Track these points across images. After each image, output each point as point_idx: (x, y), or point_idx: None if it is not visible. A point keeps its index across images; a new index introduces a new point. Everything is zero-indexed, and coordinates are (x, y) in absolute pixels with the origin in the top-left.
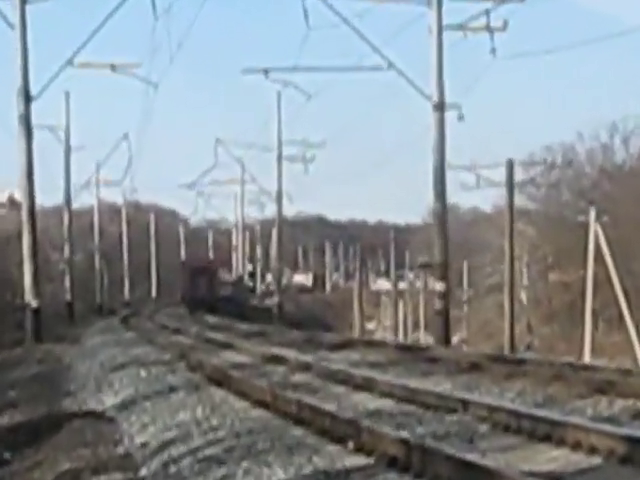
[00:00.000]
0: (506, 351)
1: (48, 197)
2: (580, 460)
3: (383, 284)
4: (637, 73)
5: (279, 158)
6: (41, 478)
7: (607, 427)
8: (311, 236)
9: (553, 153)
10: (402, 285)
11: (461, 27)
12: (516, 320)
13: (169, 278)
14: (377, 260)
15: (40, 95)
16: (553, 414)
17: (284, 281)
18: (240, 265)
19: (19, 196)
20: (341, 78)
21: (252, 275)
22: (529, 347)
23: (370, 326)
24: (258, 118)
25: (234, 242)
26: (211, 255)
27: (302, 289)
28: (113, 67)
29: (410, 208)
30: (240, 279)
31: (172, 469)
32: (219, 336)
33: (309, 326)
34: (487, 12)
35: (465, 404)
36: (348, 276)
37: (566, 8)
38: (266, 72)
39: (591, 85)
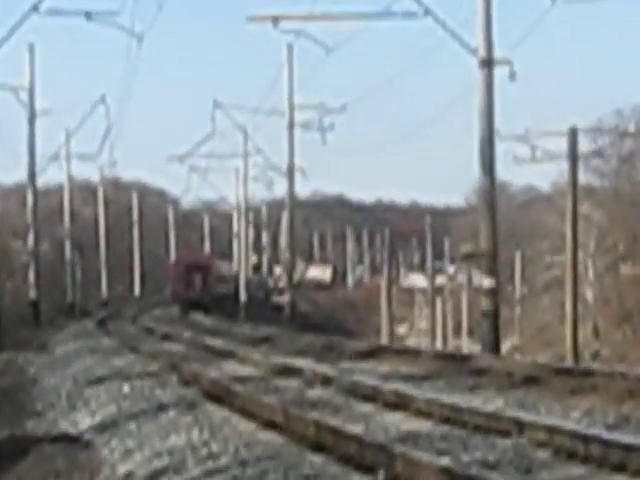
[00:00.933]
0: (569, 361)
1: (8, 173)
2: None
3: (417, 279)
4: None
5: (290, 126)
6: None
7: None
8: (329, 221)
9: (625, 119)
10: (440, 280)
11: None
12: (580, 323)
13: (156, 272)
14: (410, 250)
15: None
16: (628, 438)
17: (297, 275)
18: (242, 256)
19: None
20: (366, 27)
21: (257, 268)
22: (596, 356)
23: (401, 330)
24: (265, 77)
25: (235, 228)
26: (207, 244)
27: (319, 285)
28: (88, 15)
29: (450, 187)
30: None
31: None
32: (218, 342)
33: (328, 330)
34: None
35: (520, 426)
36: (374, 270)
37: None
38: (275, 20)
39: None
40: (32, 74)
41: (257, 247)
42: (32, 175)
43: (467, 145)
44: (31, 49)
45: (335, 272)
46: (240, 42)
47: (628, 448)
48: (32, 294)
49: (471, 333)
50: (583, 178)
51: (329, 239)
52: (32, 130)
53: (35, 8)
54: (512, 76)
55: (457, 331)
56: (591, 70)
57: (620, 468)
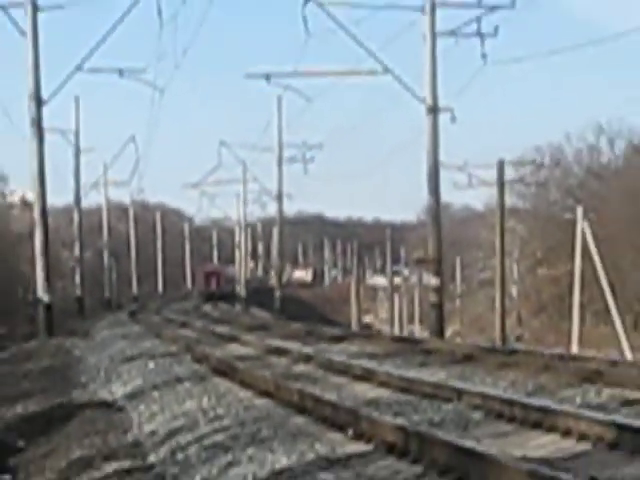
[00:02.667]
0: (498, 343)
1: (59, 197)
2: (570, 446)
3: (379, 280)
4: (621, 77)
5: (280, 159)
6: (54, 466)
7: (596, 414)
8: (310, 234)
9: (542, 153)
10: (397, 280)
11: (453, 33)
12: (507, 313)
13: (175, 274)
14: (373, 257)
15: (51, 99)
16: (544, 402)
17: (285, 277)
18: (243, 262)
19: (31, 197)
20: (339, 82)
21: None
22: (519, 339)
23: (367, 319)
24: (260, 121)
25: (237, 240)
26: (215, 253)
27: (302, 284)
28: (121, 72)
29: (405, 207)
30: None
31: (179, 456)
32: (223, 329)
33: (309, 319)
34: (478, 19)
35: (459, 393)
36: (346, 272)
37: (554, 14)
38: (267, 77)
39: (578, 88)
40: (77, 120)
41: (254, 255)
42: (77, 199)
43: (418, 174)
44: (76, 100)
45: (315, 274)
46: (240, 94)
47: (543, 410)
48: (77, 292)
49: (421, 321)
50: (509, 200)
51: (310, 248)
52: (77, 163)
53: (79, 67)
54: (453, 120)
55: (411, 320)
56: (516, 114)
57: (537, 426)
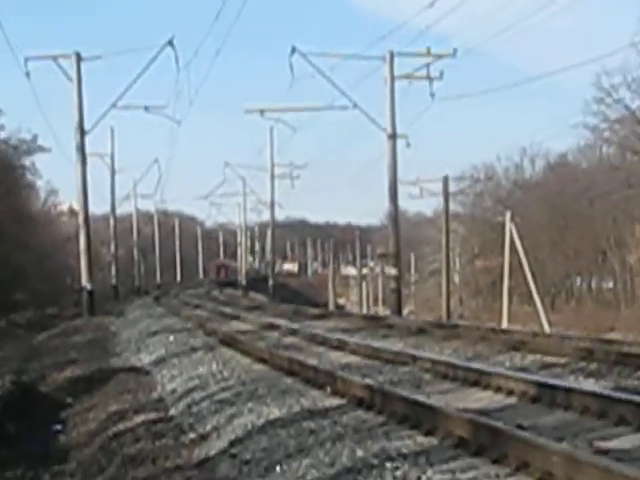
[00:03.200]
0: (443, 319)
1: (98, 207)
2: (501, 400)
3: (351, 270)
4: (539, 109)
5: (272, 176)
6: (95, 417)
7: (521, 375)
8: (296, 235)
9: (478, 170)
10: (365, 271)
11: (408, 77)
12: (451, 296)
13: (189, 267)
14: (346, 252)
15: (92, 130)
16: (480, 366)
17: (277, 268)
18: (243, 257)
19: (76, 206)
20: (318, 115)
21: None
22: (461, 316)
23: (341, 302)
24: (256, 146)
25: (238, 240)
26: (221, 250)
27: (290, 274)
28: (146, 108)
29: (371, 213)
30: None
31: (194, 409)
32: (228, 310)
33: (296, 302)
34: (427, 65)
35: (414, 359)
36: (324, 264)
37: (486, 61)
38: (262, 112)
39: (506, 119)
40: (112, 146)
41: (252, 252)
42: (113, 208)
43: (381, 187)
44: (112, 130)
45: (300, 266)
46: (241, 124)
47: (479, 372)
48: (113, 281)
49: (384, 303)
50: (452, 207)
51: (296, 246)
52: (112, 180)
53: (114, 105)
54: (408, 144)
55: (375, 302)
56: (458, 139)
57: (475, 384)
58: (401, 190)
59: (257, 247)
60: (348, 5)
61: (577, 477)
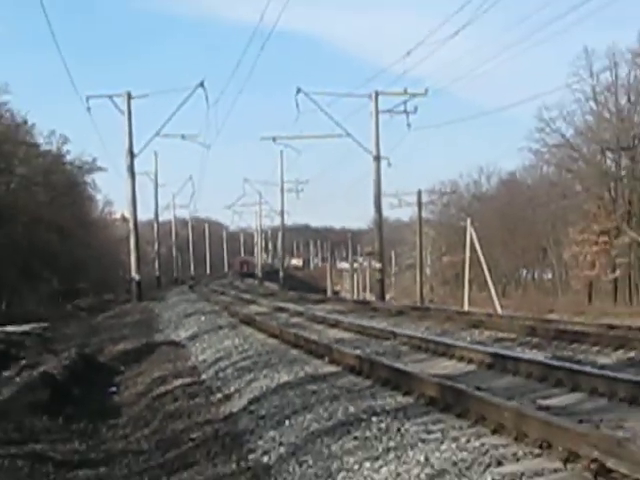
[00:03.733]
0: (418, 303)
1: (145, 214)
2: (463, 367)
3: (344, 265)
4: (492, 137)
5: (282, 190)
6: (142, 381)
7: (479, 347)
8: (301, 237)
9: (445, 185)
10: (355, 265)
11: (389, 111)
12: (423, 285)
13: (216, 262)
14: (340, 250)
15: (139, 153)
16: (447, 340)
17: (285, 263)
18: (259, 254)
19: (127, 214)
20: (318, 141)
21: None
22: (431, 301)
23: (337, 289)
24: (270, 165)
25: (255, 240)
26: (242, 250)
27: (296, 268)
28: (183, 136)
29: (360, 219)
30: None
31: (220, 375)
32: (247, 296)
33: (301, 289)
34: (405, 102)
35: (394, 334)
36: (323, 260)
37: (450, 98)
38: (274, 139)
39: (467, 144)
40: (155, 166)
41: (266, 250)
42: (156, 215)
43: (368, 198)
44: (155, 154)
45: (304, 261)
46: (257, 147)
47: (446, 345)
48: (156, 273)
49: (370, 290)
50: (424, 215)
51: (301, 245)
52: (156, 193)
53: (157, 133)
54: (389, 165)
55: (364, 289)
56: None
57: (443, 355)
58: (384, 201)
59: (270, 246)
60: (343, 54)
61: (523, 428)
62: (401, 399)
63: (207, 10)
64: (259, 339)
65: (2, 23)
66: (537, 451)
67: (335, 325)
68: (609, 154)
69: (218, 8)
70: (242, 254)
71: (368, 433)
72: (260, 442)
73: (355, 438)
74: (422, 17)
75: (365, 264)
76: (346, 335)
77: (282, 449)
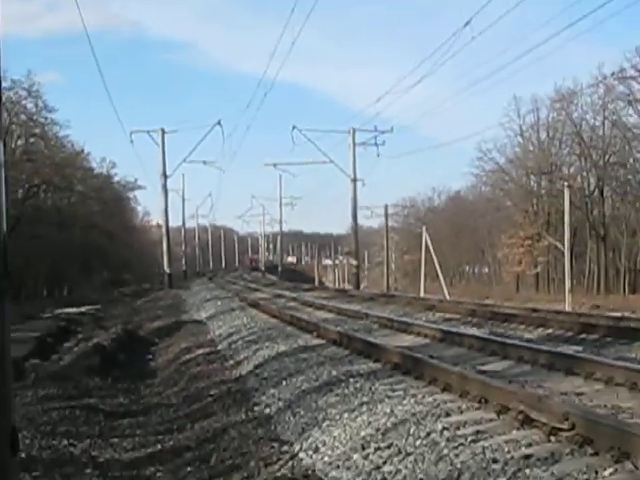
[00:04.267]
0: (385, 291)
1: (175, 222)
2: (420, 340)
3: (328, 262)
4: (444, 163)
5: (280, 204)
6: (172, 351)
7: (432, 325)
8: (295, 240)
9: (405, 201)
10: (337, 262)
11: (364, 144)
12: (389, 277)
13: (229, 259)
14: (325, 250)
15: (171, 175)
16: (407, 319)
17: (283, 260)
18: (263, 253)
19: (161, 222)
20: (309, 167)
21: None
22: (395, 289)
23: (322, 280)
24: (271, 185)
25: (260, 243)
26: (249, 250)
27: (291, 264)
28: (204, 162)
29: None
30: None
31: (232, 346)
32: (253, 285)
33: (295, 280)
34: (375, 137)
35: (366, 315)
36: (312, 258)
37: (413, 134)
38: (275, 165)
39: (423, 169)
40: (183, 184)
41: (268, 250)
42: (183, 223)
43: (347, 211)
44: (183, 176)
45: (297, 259)
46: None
47: (407, 323)
48: (183, 267)
49: (348, 282)
50: (390, 223)
51: (295, 246)
52: (183, 206)
53: (184, 160)
54: (363, 185)
55: (343, 281)
56: (396, 180)
57: (404, 331)
58: (359, 213)
59: (271, 247)
60: (328, 99)
61: (466, 387)
62: (372, 365)
63: (224, 65)
64: (262, 318)
65: (63, 72)
66: (477, 405)
67: (321, 308)
68: (532, 177)
69: (232, 63)
70: (249, 253)
71: (346, 391)
72: (263, 398)
73: (336, 395)
74: (391, 70)
75: (344, 261)
76: (329, 315)
77: (280, 403)
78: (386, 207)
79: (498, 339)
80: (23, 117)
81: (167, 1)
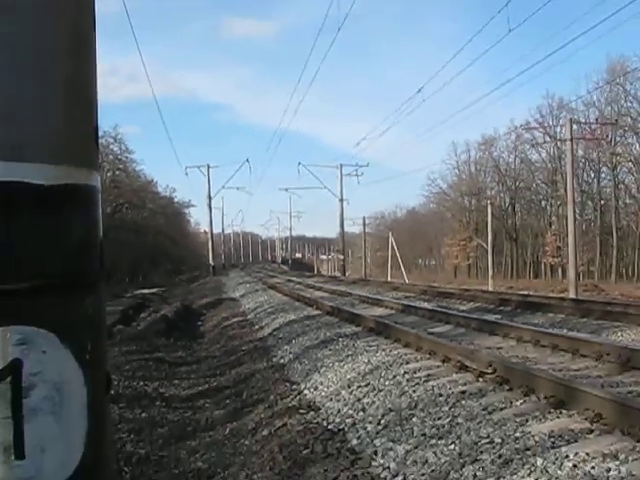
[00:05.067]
0: (363, 277)
1: (216, 229)
2: (388, 312)
3: (324, 257)
4: (403, 188)
5: (290, 217)
6: (215, 319)
7: (396, 301)
8: (300, 242)
9: (377, 214)
10: (330, 257)
11: (348, 174)
12: (366, 267)
13: (255, 256)
14: (323, 249)
15: (214, 197)
16: (379, 297)
17: (292, 256)
18: (278, 251)
19: (207, 230)
20: (310, 191)
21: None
22: (370, 276)
23: (320, 270)
24: (284, 205)
25: (276, 244)
26: (269, 249)
27: (298, 259)
28: (237, 188)
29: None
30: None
31: (258, 316)
32: (271, 274)
33: (300, 270)
34: (356, 170)
35: (350, 294)
36: (312, 254)
37: (385, 168)
38: (287, 189)
39: (390, 192)
40: (222, 204)
41: (282, 249)
42: (222, 230)
43: (336, 222)
44: (222, 198)
45: (302, 255)
46: (278, 194)
47: (379, 299)
48: (222, 261)
49: (338, 270)
50: (367, 230)
51: (300, 246)
52: (222, 219)
53: (223, 186)
54: (348, 203)
55: (334, 270)
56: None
57: (377, 304)
58: (345, 222)
59: (284, 247)
60: (325, 143)
61: (420, 344)
62: (355, 328)
63: (251, 120)
64: (278, 297)
65: (139, 125)
66: (428, 356)
67: (319, 289)
68: (465, 197)
69: (257, 118)
70: (269, 251)
71: (337, 347)
72: (279, 352)
73: (330, 349)
74: (368, 123)
75: (335, 256)
76: (324, 294)
77: (291, 355)
78: (364, 219)
79: (442, 310)
80: (111, 157)
81: (213, 73)
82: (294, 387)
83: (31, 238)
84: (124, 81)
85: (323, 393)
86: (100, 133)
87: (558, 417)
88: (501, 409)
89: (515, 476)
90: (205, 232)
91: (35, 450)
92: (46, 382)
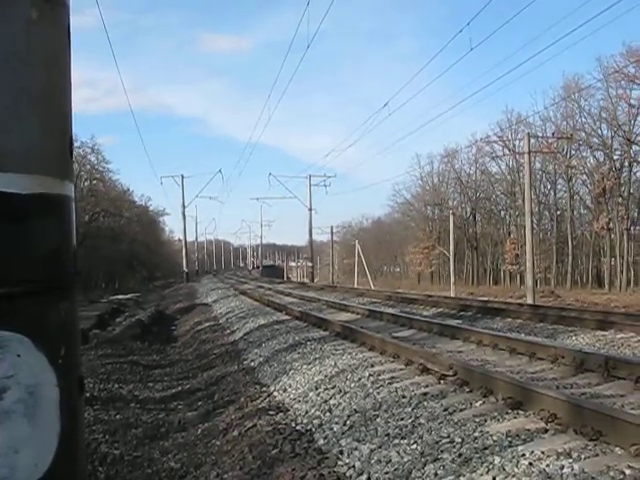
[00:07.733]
0: (331, 283)
1: (190, 237)
2: (355, 317)
3: (293, 264)
4: (369, 198)
5: (261, 225)
6: (188, 323)
7: (362, 306)
8: (271, 249)
9: (345, 223)
10: (299, 264)
11: (317, 185)
12: (334, 274)
13: (227, 263)
14: (292, 256)
15: (188, 206)
16: (346, 302)
17: (263, 263)
18: (249, 259)
19: (181, 237)
20: (280, 200)
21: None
22: (338, 282)
23: (290, 276)
24: (255, 214)
25: (248, 251)
26: (241, 256)
27: (269, 266)
28: (210, 197)
29: (302, 240)
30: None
31: (229, 320)
32: (242, 280)
33: (270, 277)
34: (324, 180)
35: (318, 300)
36: (282, 261)
37: (351, 179)
38: (258, 199)
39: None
40: (196, 212)
41: (252, 256)
42: (196, 238)
43: (305, 230)
44: (196, 207)
45: (273, 262)
46: (249, 204)
47: (345, 305)
48: (196, 268)
49: (307, 277)
50: (335, 238)
51: (271, 254)
52: (196, 227)
53: (196, 196)
54: (316, 212)
55: (303, 276)
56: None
57: (344, 310)
58: (314, 231)
59: (255, 254)
60: (294, 155)
61: (385, 347)
62: (322, 332)
63: (223, 132)
64: (249, 302)
65: (116, 136)
66: (392, 359)
67: (288, 295)
68: (428, 207)
69: (229, 131)
70: (240, 259)
71: (305, 350)
72: (249, 355)
73: (298, 353)
74: (335, 136)
75: (304, 263)
76: (294, 300)
77: (261, 359)
78: (332, 227)
79: (406, 315)
80: (88, 166)
81: (188, 88)
82: (264, 389)
83: (6, 245)
84: (102, 94)
85: (292, 395)
86: (77, 143)
87: (515, 417)
88: (461, 410)
89: (474, 474)
90: (179, 240)
91: (9, 451)
92: (20, 385)
